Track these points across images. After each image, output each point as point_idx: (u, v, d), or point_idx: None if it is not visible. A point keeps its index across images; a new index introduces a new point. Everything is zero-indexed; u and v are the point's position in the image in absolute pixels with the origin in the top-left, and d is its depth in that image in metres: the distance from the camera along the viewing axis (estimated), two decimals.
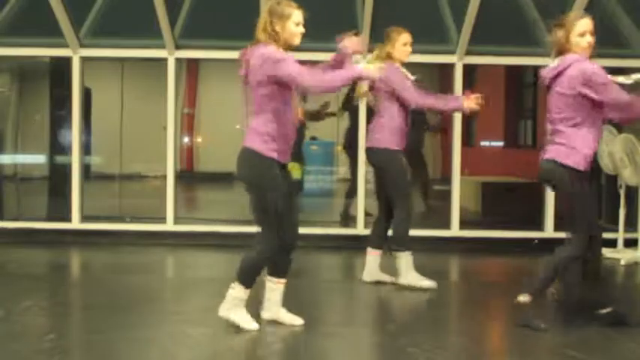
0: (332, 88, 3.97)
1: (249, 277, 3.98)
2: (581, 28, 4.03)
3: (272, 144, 3.89)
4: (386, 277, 5.30)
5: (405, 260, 5.17)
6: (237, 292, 3.99)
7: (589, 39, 4.03)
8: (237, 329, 4.01)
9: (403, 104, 5.17)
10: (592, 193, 4.22)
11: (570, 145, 3.97)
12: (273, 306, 4.14)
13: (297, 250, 4.10)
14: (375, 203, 5.51)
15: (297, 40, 3.98)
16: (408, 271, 5.17)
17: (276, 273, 4.11)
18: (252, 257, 3.97)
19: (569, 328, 4.13)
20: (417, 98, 5.14)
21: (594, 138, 4.01)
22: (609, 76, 4.01)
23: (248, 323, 3.98)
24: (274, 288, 4.12)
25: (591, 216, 4.12)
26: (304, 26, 3.98)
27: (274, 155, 3.90)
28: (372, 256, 5.31)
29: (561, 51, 4.09)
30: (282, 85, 3.89)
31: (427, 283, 5.15)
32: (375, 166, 5.31)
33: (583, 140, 3.97)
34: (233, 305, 3.99)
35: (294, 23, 3.93)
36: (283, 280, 4.13)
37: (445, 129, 9.09)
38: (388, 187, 5.21)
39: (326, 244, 7.00)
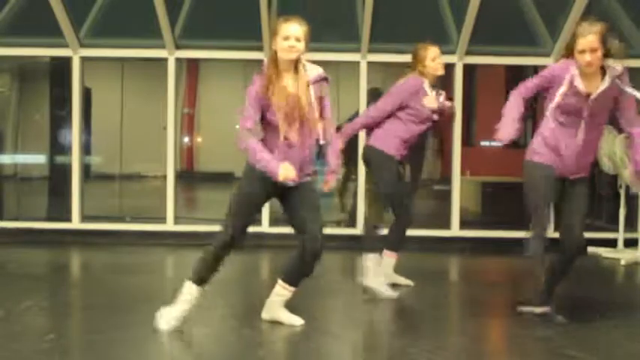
0: (243, 149, 3.89)
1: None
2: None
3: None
4: (401, 280, 5.30)
5: (370, 263, 5.05)
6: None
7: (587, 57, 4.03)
8: (236, 329, 4.01)
9: (410, 118, 5.10)
10: None
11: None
12: (275, 307, 4.13)
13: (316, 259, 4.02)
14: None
15: (289, 55, 3.86)
16: (375, 274, 5.04)
17: (290, 279, 4.09)
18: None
19: (569, 328, 4.13)
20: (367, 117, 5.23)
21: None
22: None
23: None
24: (282, 293, 4.12)
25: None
26: (299, 40, 3.86)
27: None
28: (387, 258, 5.29)
29: None
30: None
31: (388, 293, 4.97)
32: (366, 162, 5.25)
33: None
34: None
35: (282, 38, 3.86)
36: (293, 288, 4.12)
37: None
38: (375, 186, 5.18)
39: (326, 244, 6.99)
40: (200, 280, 4.04)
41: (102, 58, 7.68)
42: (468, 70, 7.57)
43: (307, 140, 3.94)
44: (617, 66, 4.11)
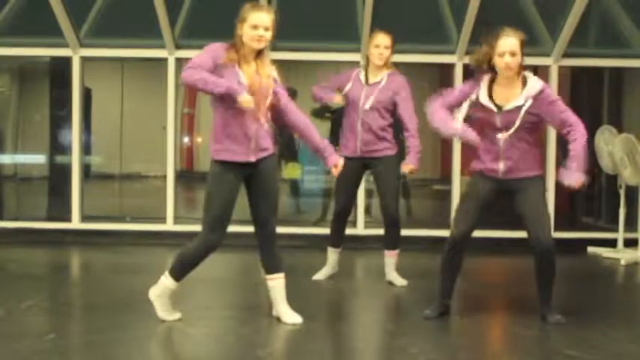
0: (192, 83, 3.92)
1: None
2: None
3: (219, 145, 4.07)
4: (397, 280, 5.31)
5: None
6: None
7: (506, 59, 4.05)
8: (236, 329, 4.01)
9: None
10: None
11: None
12: (276, 303, 4.14)
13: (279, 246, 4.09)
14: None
15: (257, 45, 3.89)
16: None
17: (265, 269, 4.13)
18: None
19: (569, 328, 4.13)
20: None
21: None
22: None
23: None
24: (270, 285, 4.14)
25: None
26: (267, 29, 3.88)
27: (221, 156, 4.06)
28: (386, 258, 5.33)
29: None
30: None
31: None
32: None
33: None
34: None
35: (251, 26, 3.87)
36: (274, 276, 4.13)
37: None
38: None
39: (326, 244, 6.99)
40: (179, 277, 4.08)
41: (102, 58, 7.69)
42: (468, 70, 7.55)
43: (260, 117, 3.98)
44: (536, 84, 4.11)
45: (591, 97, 8.18)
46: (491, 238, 7.23)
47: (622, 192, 6.85)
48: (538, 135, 4.32)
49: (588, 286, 5.53)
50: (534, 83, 4.11)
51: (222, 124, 4.08)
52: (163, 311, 4.11)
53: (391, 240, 5.30)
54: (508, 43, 4.03)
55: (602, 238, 7.13)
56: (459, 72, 7.22)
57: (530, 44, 7.22)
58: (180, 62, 7.52)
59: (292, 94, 8.98)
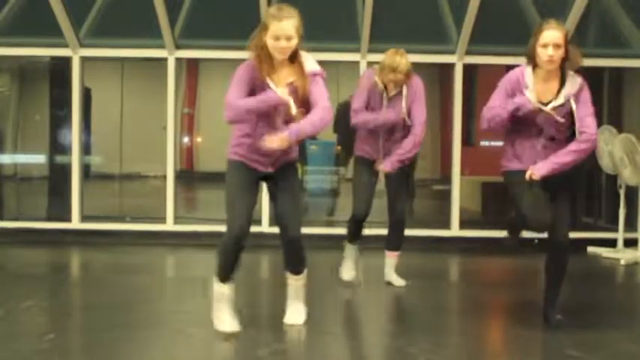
0: (233, 117, 3.75)
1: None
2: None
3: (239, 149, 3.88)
4: (396, 281, 5.31)
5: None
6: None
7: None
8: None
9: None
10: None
11: None
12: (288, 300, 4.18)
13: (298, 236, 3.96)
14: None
15: (280, 56, 3.71)
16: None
17: (286, 267, 4.13)
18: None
19: (569, 328, 4.12)
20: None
21: None
22: None
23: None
24: (291, 283, 4.16)
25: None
26: (290, 38, 3.67)
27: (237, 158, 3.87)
28: (387, 258, 5.35)
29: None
30: None
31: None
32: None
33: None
34: None
35: (273, 37, 3.67)
36: (292, 277, 4.13)
37: None
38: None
39: (326, 244, 7.00)
40: (222, 275, 3.96)
41: (102, 58, 7.69)
42: (468, 70, 7.56)
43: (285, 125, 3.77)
44: (575, 81, 3.96)
45: (591, 97, 8.17)
46: (492, 238, 7.23)
47: (622, 192, 6.84)
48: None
49: (588, 286, 5.53)
50: (574, 80, 3.96)
51: (247, 134, 3.83)
52: (217, 318, 3.95)
53: (394, 241, 5.26)
54: (552, 35, 3.87)
55: (602, 238, 7.13)
56: (458, 72, 7.22)
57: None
58: (180, 62, 7.53)
59: None
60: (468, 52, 7.15)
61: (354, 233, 5.30)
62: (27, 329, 4.03)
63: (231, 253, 3.85)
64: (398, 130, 5.03)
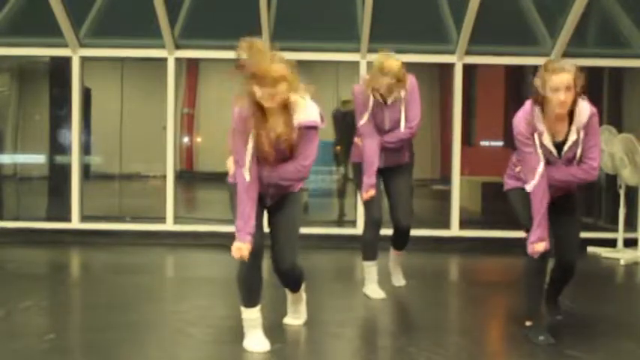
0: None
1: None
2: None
3: None
4: (398, 280, 5.31)
5: (366, 270, 5.01)
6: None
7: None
8: (236, 329, 4.01)
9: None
10: None
11: None
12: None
13: (287, 268, 3.83)
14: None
15: (270, 104, 3.43)
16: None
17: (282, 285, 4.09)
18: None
19: (570, 328, 4.13)
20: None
21: None
22: None
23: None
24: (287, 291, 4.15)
25: None
26: (276, 84, 3.39)
27: None
28: (392, 254, 5.27)
29: None
30: None
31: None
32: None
33: None
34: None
35: (258, 84, 3.40)
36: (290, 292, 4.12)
37: None
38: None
39: (326, 244, 7.00)
40: (246, 302, 3.74)
41: (102, 58, 7.69)
42: (468, 70, 7.57)
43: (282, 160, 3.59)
44: (584, 110, 3.77)
45: (591, 97, 8.16)
46: (492, 238, 7.23)
47: (622, 192, 6.85)
48: None
49: (588, 286, 5.53)
50: (583, 109, 3.77)
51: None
52: (249, 340, 3.72)
53: (399, 243, 5.10)
54: (563, 79, 3.64)
55: (602, 238, 7.13)
56: (458, 72, 7.22)
57: (529, 44, 7.29)
58: (180, 62, 7.53)
59: None
60: (468, 52, 7.16)
61: (372, 243, 4.92)
62: (27, 329, 4.03)
63: (249, 270, 3.62)
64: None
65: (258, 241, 3.56)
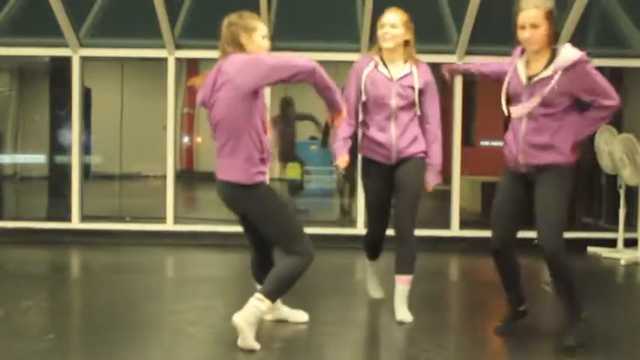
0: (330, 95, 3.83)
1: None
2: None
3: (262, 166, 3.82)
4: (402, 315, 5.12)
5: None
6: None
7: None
8: (236, 329, 4.01)
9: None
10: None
11: None
12: (275, 308, 4.14)
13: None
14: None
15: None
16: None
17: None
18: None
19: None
20: None
21: None
22: None
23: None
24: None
25: None
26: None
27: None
28: (396, 284, 5.15)
29: None
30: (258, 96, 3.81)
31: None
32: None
33: None
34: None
35: (261, 36, 3.83)
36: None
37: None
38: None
39: (326, 244, 7.00)
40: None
41: (102, 58, 7.69)
42: None
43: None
44: (571, 54, 3.56)
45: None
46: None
47: (622, 192, 6.85)
48: (573, 117, 3.70)
49: (588, 286, 5.52)
50: (568, 53, 3.57)
51: (259, 143, 3.91)
52: (252, 337, 3.67)
53: (401, 261, 4.36)
54: (527, 15, 3.55)
55: (602, 238, 7.13)
56: None
57: None
58: (180, 62, 7.53)
59: (287, 103, 9.00)
60: (468, 52, 7.15)
61: (373, 244, 4.70)
62: (27, 329, 4.03)
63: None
64: (405, 111, 4.47)
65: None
